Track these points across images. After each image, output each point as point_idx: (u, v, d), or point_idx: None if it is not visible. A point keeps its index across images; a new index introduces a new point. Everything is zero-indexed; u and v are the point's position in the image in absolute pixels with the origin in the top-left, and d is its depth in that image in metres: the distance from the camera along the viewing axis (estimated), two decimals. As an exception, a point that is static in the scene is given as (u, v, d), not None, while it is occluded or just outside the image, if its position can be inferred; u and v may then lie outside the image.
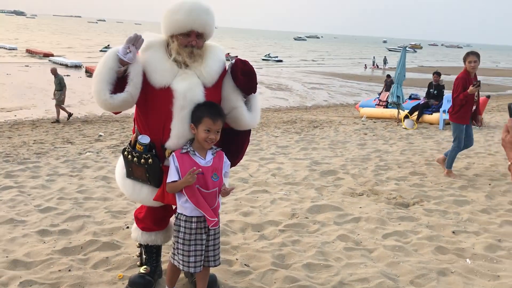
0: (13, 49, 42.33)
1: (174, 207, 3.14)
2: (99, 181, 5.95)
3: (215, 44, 2.91)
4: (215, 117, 2.64)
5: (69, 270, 3.38)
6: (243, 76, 2.77)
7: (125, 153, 2.84)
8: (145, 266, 3.20)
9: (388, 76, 19.93)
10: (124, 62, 2.61)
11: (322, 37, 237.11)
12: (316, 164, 7.01)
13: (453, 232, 4.31)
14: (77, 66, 30.91)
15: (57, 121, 13.67)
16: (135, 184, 2.91)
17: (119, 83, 2.65)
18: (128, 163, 2.84)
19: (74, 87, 19.66)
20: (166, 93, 2.67)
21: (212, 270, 3.36)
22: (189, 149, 2.67)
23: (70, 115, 13.99)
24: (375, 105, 14.87)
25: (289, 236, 4.12)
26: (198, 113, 2.65)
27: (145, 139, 2.74)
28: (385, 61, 49.87)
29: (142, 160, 2.73)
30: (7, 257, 3.60)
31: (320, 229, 4.34)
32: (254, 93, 2.89)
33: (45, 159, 7.42)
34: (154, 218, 3.10)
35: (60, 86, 14.00)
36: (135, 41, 2.60)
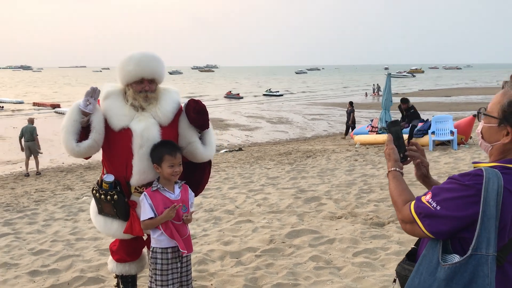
0: (20, 103, 43.43)
1: (145, 238, 3.43)
2: (92, 222, 6.23)
3: (169, 87, 3.28)
4: (174, 152, 2.92)
5: (54, 304, 3.64)
6: (195, 114, 3.11)
7: (94, 191, 3.15)
8: (121, 294, 3.46)
9: (350, 103, 20.73)
10: (86, 113, 2.96)
11: (323, 68, 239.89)
12: (301, 192, 7.26)
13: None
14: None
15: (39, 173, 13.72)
16: (106, 219, 3.21)
17: (84, 132, 3.01)
18: (97, 200, 3.16)
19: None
20: (125, 135, 3.01)
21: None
22: (158, 186, 2.93)
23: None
24: (368, 131, 15.16)
25: (264, 260, 4.36)
26: (157, 153, 2.93)
27: (109, 177, 3.05)
28: (378, 88, 50.33)
29: (109, 197, 3.04)
30: (-2, 297, 3.88)
31: (294, 252, 4.57)
32: (207, 128, 3.21)
33: (44, 206, 7.75)
34: (127, 250, 3.38)
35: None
36: (93, 93, 2.97)
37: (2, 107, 38.83)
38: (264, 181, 8.55)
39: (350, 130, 19.30)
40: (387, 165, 1.97)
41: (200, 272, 4.15)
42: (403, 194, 1.81)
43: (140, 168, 3.03)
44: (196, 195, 3.48)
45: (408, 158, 2.03)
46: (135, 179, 3.07)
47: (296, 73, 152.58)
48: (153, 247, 2.98)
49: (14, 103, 43.39)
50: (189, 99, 3.24)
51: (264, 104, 41.60)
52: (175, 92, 3.27)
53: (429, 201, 1.65)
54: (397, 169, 1.92)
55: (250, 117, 31.12)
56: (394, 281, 1.87)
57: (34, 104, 41.83)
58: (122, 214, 3.12)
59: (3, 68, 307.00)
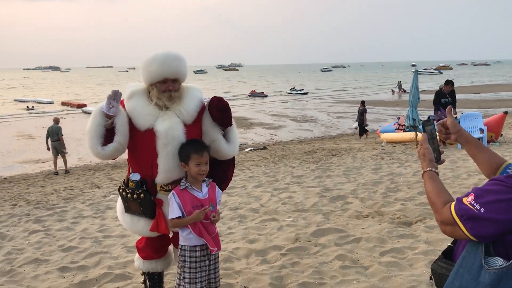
0: (50, 103, 44.43)
1: (171, 235, 3.46)
2: (119, 220, 6.33)
3: (192, 85, 3.29)
4: (201, 151, 2.91)
5: (83, 300, 3.71)
6: (217, 112, 3.11)
7: (120, 190, 3.19)
8: (147, 290, 3.50)
9: (362, 102, 20.06)
10: (110, 115, 3.00)
11: (348, 66, 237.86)
12: (327, 190, 7.21)
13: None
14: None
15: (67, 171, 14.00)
16: (132, 217, 3.25)
17: (108, 134, 3.05)
18: (124, 199, 3.20)
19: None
20: (150, 134, 3.04)
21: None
22: (186, 185, 2.93)
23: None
24: (395, 129, 14.96)
25: (290, 259, 4.35)
26: (185, 152, 2.93)
27: (135, 176, 3.09)
28: (399, 86, 49.59)
29: (135, 196, 3.07)
30: (29, 292, 3.97)
31: (320, 251, 4.54)
32: (230, 126, 3.22)
33: (72, 203, 7.90)
34: (153, 247, 3.42)
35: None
36: (115, 96, 3.01)
37: (33, 107, 39.79)
38: (289, 180, 8.53)
39: (360, 129, 18.88)
40: (422, 165, 1.92)
41: (226, 270, 4.16)
42: (441, 195, 1.76)
43: (166, 167, 3.06)
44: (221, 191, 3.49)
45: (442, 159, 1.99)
46: (161, 178, 3.10)
47: (322, 70, 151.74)
48: (182, 245, 2.97)
49: (44, 103, 44.41)
50: (212, 96, 3.25)
51: (289, 103, 41.51)
52: (197, 90, 3.28)
53: (472, 203, 1.59)
54: (433, 169, 1.88)
55: (275, 115, 31.09)
56: (431, 278, 1.83)
57: (63, 103, 42.73)
58: (149, 212, 3.15)
59: (33, 69, 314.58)
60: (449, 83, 12.29)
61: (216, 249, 2.98)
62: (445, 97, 12.04)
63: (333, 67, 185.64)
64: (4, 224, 6.69)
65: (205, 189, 2.98)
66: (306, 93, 51.12)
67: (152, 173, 3.11)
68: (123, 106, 3.16)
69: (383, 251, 4.38)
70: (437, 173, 1.88)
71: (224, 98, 3.23)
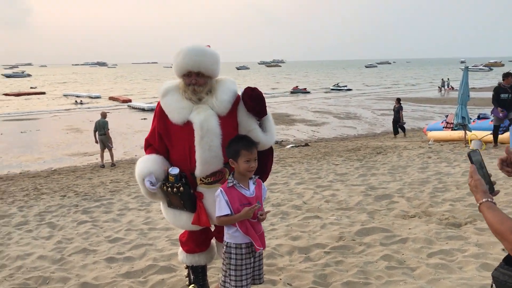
0: (98, 97, 45.81)
1: (212, 228, 3.47)
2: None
3: (225, 78, 3.30)
4: (250, 147, 2.84)
5: (129, 291, 3.79)
6: (251, 101, 3.10)
7: (161, 185, 3.22)
8: (193, 285, 3.53)
9: (397, 100, 19.35)
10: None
11: (394, 62, 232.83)
12: (372, 189, 7.07)
13: (503, 250, 4.24)
14: (152, 110, 32.82)
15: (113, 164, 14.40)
16: (175, 212, 3.28)
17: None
18: (165, 193, 3.23)
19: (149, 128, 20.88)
20: (186, 127, 3.08)
21: (255, 289, 3.63)
22: (234, 182, 2.86)
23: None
24: (443, 127, 14.51)
25: (333, 257, 4.28)
26: (234, 148, 2.85)
27: (174, 170, 3.12)
28: (447, 84, 48.02)
29: (175, 189, 3.10)
30: (78, 280, 4.09)
31: (365, 250, 4.45)
32: (265, 115, 3.19)
33: (118, 196, 8.11)
34: (196, 241, 3.44)
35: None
36: (149, 177, 3.17)
37: (81, 101, 41.12)
38: (332, 177, 8.42)
39: (399, 129, 18.39)
40: (476, 197, 1.85)
41: (269, 266, 4.14)
42: (506, 222, 1.66)
43: (203, 159, 3.08)
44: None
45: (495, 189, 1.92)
46: (199, 170, 3.12)
47: (366, 67, 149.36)
48: (228, 242, 2.94)
49: (92, 97, 45.83)
50: (245, 87, 3.24)
51: (332, 99, 41.09)
52: (230, 82, 3.28)
53: None
54: (489, 199, 1.80)
55: (317, 112, 30.84)
56: (492, 286, 1.75)
57: (110, 98, 43.93)
58: (189, 206, 3.17)
59: (81, 65, 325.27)
60: (508, 75, 11.11)
61: (262, 248, 2.95)
62: (505, 92, 11.01)
63: (378, 63, 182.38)
64: (54, 214, 6.94)
65: (252, 187, 2.92)
66: (350, 90, 50.45)
67: (191, 166, 3.14)
68: (159, 106, 3.24)
69: (431, 253, 4.24)
70: (494, 203, 1.81)
71: (259, 88, 3.21)
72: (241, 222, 2.87)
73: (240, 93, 3.23)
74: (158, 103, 3.25)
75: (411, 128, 22.93)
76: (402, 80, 71.85)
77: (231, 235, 2.92)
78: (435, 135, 14.20)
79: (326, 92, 49.36)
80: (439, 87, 49.48)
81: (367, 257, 4.27)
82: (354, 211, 5.87)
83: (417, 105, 34.19)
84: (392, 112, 19.51)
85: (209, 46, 3.23)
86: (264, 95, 3.18)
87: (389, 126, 23.99)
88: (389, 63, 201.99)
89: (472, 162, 1.92)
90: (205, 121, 3.04)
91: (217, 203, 2.88)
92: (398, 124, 18.50)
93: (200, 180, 3.15)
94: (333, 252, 4.43)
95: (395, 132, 18.41)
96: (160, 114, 3.23)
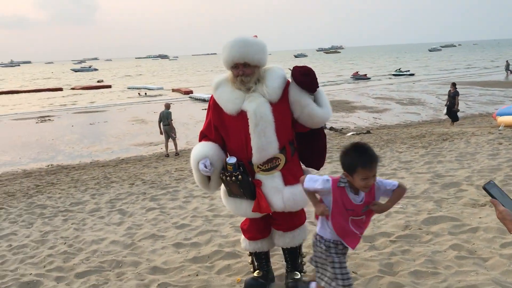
0: (160, 89, 47.16)
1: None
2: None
3: (274, 65, 3.32)
4: (370, 164, 2.55)
5: (197, 275, 3.93)
6: (301, 75, 3.11)
7: (220, 174, 3.29)
8: (257, 271, 3.60)
9: (453, 85, 17.84)
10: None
11: (459, 45, 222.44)
12: (438, 177, 6.84)
13: None
14: (214, 100, 33.32)
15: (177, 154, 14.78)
16: (235, 200, 3.35)
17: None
18: (225, 183, 3.31)
19: (211, 119, 21.29)
20: (241, 116, 3.14)
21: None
22: (346, 185, 2.66)
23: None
24: (515, 112, 13.71)
25: (400, 246, 4.20)
26: (350, 162, 2.59)
27: (231, 159, 3.18)
28: (507, 67, 44.86)
29: (233, 178, 3.17)
30: (149, 264, 4.29)
31: (433, 239, 4.33)
32: (317, 88, 3.16)
33: (183, 184, 8.35)
34: (257, 228, 3.50)
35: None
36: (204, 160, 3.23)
37: (145, 93, 42.52)
38: (396, 165, 8.22)
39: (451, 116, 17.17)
40: (508, 228, 1.85)
41: (333, 254, 4.13)
42: None
43: (259, 146, 3.13)
44: (320, 167, 3.45)
45: None
46: (256, 158, 3.18)
47: (430, 50, 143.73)
48: (316, 234, 2.87)
49: (155, 89, 47.25)
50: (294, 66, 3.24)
51: (394, 85, 39.92)
52: (278, 69, 3.30)
53: None
54: None
55: (378, 98, 30.10)
56: None
57: (173, 90, 45.08)
58: (249, 194, 3.22)
59: (144, 58, 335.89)
60: None
61: (351, 247, 2.81)
62: None
63: (442, 47, 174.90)
64: (124, 201, 7.27)
65: (362, 194, 2.69)
66: (412, 75, 48.76)
67: (248, 155, 3.19)
68: (213, 99, 3.31)
69: (505, 243, 4.06)
70: None
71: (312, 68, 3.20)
72: (337, 225, 2.71)
73: (289, 77, 3.25)
74: (212, 97, 3.34)
75: (479, 114, 21.89)
76: (468, 63, 68.51)
77: (320, 228, 2.82)
78: (506, 120, 13.46)
79: (387, 78, 48.01)
80: (509, 70, 46.65)
81: (435, 246, 4.16)
82: (420, 200, 5.71)
83: (485, 89, 32.53)
84: (446, 98, 18.16)
85: (256, 36, 3.26)
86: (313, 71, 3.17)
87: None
88: (454, 46, 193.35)
89: (491, 196, 1.88)
90: (257, 109, 3.09)
91: (315, 178, 2.71)
92: (452, 110, 17.26)
93: (258, 167, 3.21)
94: (399, 241, 4.35)
95: (454, 119, 17.27)
96: (214, 107, 3.32)
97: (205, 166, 3.20)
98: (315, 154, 3.39)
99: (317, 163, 3.46)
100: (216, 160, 3.27)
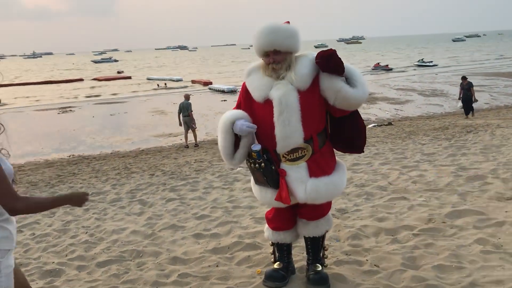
0: (180, 80, 47.34)
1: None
2: (246, 192, 6.55)
3: (307, 52, 3.22)
4: None
5: (217, 266, 3.91)
6: (322, 59, 2.99)
7: (246, 162, 3.25)
8: (278, 262, 3.56)
9: (464, 78, 17.39)
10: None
11: (484, 35, 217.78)
12: (462, 169, 6.69)
13: None
14: (232, 91, 33.39)
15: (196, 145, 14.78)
16: (261, 188, 3.31)
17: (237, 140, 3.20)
18: (250, 170, 3.27)
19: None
20: (267, 104, 3.08)
21: (341, 270, 3.60)
22: None
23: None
24: (542, 103, 13.35)
25: (423, 240, 4.12)
26: None
27: (256, 146, 3.13)
28: None
29: (257, 166, 3.12)
30: (169, 254, 4.29)
31: (457, 233, 4.23)
32: (343, 69, 3.03)
33: (203, 175, 8.36)
34: (281, 218, 3.45)
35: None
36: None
37: (165, 84, 42.71)
38: (418, 157, 8.08)
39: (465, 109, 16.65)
40: None
41: (354, 247, 4.08)
42: None
43: (282, 134, 3.06)
44: (362, 148, 3.41)
45: None
46: (280, 146, 3.11)
47: (453, 41, 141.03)
48: None
49: (174, 80, 47.44)
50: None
51: (416, 76, 39.32)
52: (311, 54, 3.17)
53: None
54: None
55: (400, 89, 29.70)
56: None
57: (193, 82, 45.19)
58: (272, 182, 3.17)
59: (163, 49, 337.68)
60: None
61: None
62: None
63: (466, 37, 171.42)
64: (144, 192, 7.32)
65: None
66: (435, 65, 47.93)
67: (273, 143, 3.13)
68: (244, 85, 3.27)
69: (532, 238, 3.95)
70: None
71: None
72: None
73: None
74: (244, 83, 3.30)
75: (504, 105, 21.42)
76: (493, 53, 67.03)
77: None
78: (532, 112, 13.13)
79: (410, 69, 47.29)
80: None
81: (460, 240, 4.06)
82: (444, 192, 5.60)
83: (511, 80, 31.79)
84: (459, 91, 17.57)
85: (288, 22, 3.18)
86: (336, 53, 3.04)
87: (480, 103, 22.55)
88: (479, 36, 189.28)
89: None
90: (283, 97, 3.02)
91: None
92: (470, 103, 16.70)
93: (283, 156, 3.15)
94: (422, 234, 4.26)
95: (467, 112, 16.72)
96: (245, 94, 3.28)
97: (246, 126, 3.09)
98: (354, 136, 3.29)
99: (359, 145, 3.35)
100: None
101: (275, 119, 3.05)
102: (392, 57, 71.82)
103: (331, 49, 3.05)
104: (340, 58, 3.01)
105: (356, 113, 3.27)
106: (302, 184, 3.12)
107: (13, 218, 2.25)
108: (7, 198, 2.08)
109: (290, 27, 3.11)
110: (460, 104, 17.52)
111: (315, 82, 3.10)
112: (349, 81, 3.10)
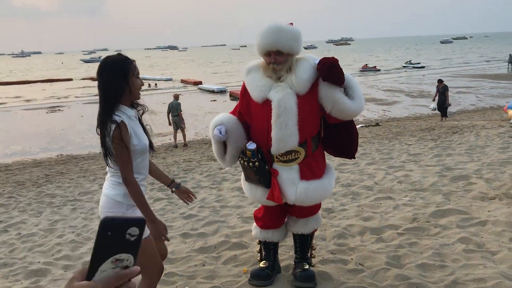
0: (169, 80, 47.16)
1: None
2: (234, 191, 6.58)
3: (307, 55, 3.24)
4: None
5: (203, 265, 3.94)
6: (326, 70, 3.00)
7: (239, 158, 3.29)
8: (264, 261, 3.59)
9: (440, 81, 17.73)
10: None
11: (471, 37, 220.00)
12: (447, 170, 6.78)
13: None
14: (222, 91, 33.37)
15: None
16: (251, 186, 3.35)
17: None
18: (243, 167, 3.30)
19: (220, 110, 21.36)
20: (265, 105, 3.10)
21: (326, 268, 3.64)
22: None
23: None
24: (526, 105, 13.54)
25: (407, 239, 4.18)
26: None
27: (251, 145, 3.16)
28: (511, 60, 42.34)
29: (251, 164, 3.16)
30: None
31: (440, 232, 4.30)
32: (343, 80, 3.06)
33: (191, 174, 8.37)
34: (270, 217, 3.48)
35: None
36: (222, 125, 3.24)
37: (156, 84, 42.54)
38: (404, 158, 8.17)
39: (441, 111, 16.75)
40: None
41: (340, 246, 4.13)
42: None
43: (278, 137, 3.09)
44: (354, 154, 3.45)
45: None
46: (275, 148, 3.15)
47: (441, 42, 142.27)
48: None
49: (164, 80, 47.26)
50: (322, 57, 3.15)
51: (403, 77, 39.61)
52: (312, 58, 3.19)
53: None
54: None
55: (388, 90, 29.89)
56: None
57: (182, 81, 45.05)
58: (265, 181, 3.21)
59: (153, 49, 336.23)
60: None
61: None
62: None
63: (454, 39, 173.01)
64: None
65: None
66: (423, 67, 48.34)
67: (268, 144, 3.17)
68: (244, 85, 3.31)
69: (514, 237, 4.02)
70: None
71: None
72: None
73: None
74: (243, 82, 3.33)
75: (490, 107, 21.66)
76: (479, 55, 67.76)
77: None
78: (517, 113, 13.31)
79: (398, 70, 47.63)
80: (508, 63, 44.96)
81: (443, 239, 4.13)
82: (429, 192, 5.68)
83: (496, 82, 32.17)
84: (433, 94, 17.75)
85: (291, 24, 3.19)
86: (339, 63, 3.07)
87: (466, 105, 22.83)
88: (466, 38, 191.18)
89: None
90: (282, 100, 3.04)
91: None
92: (444, 106, 16.98)
93: (277, 157, 3.18)
94: (407, 233, 4.33)
95: (444, 114, 16.87)
96: (244, 92, 3.32)
97: (220, 132, 3.20)
98: (347, 141, 3.34)
99: (350, 151, 3.40)
100: (232, 129, 3.26)
101: (272, 121, 3.08)
102: (381, 58, 72.28)
103: (333, 57, 3.07)
104: (341, 69, 3.04)
105: (350, 120, 3.31)
106: (293, 186, 3.16)
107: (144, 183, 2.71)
108: (124, 169, 2.52)
109: (295, 29, 3.12)
110: (432, 105, 17.75)
111: (314, 87, 3.12)
112: (347, 91, 3.13)
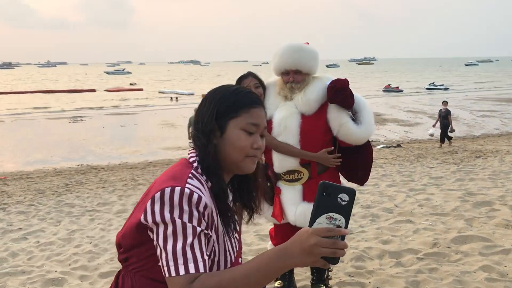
0: (191, 94, 47.63)
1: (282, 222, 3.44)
2: (252, 208, 6.54)
3: (323, 75, 3.22)
4: None
5: (218, 282, 3.90)
6: (330, 92, 2.99)
7: None
8: (279, 281, 3.55)
9: (444, 103, 16.79)
10: None
11: (497, 60, 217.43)
12: (470, 195, 6.64)
13: None
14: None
15: None
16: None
17: None
18: None
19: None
20: (270, 123, 3.10)
21: (343, 290, 3.57)
22: None
23: None
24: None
25: (427, 264, 4.09)
26: None
27: None
28: None
29: None
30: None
31: (462, 259, 4.19)
32: (351, 104, 3.03)
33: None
34: (283, 236, 3.43)
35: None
36: None
37: (177, 98, 43.00)
38: (426, 181, 8.04)
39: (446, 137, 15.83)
40: None
41: (358, 269, 4.05)
42: None
43: (278, 156, 3.11)
44: (364, 182, 3.35)
45: None
46: (276, 166, 3.17)
47: (466, 65, 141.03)
48: None
49: (186, 94, 47.76)
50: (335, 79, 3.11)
51: (426, 99, 39.25)
52: (326, 79, 3.15)
53: None
54: None
55: (410, 111, 29.61)
56: None
57: (203, 96, 45.42)
58: (267, 198, 3.22)
59: (176, 63, 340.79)
60: None
61: None
62: None
63: (479, 61, 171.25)
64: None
65: None
66: (447, 89, 47.87)
67: (271, 162, 3.19)
68: None
69: (539, 267, 3.90)
70: None
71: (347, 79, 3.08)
72: None
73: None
74: None
75: (515, 132, 21.26)
76: (499, 79, 66.82)
77: None
78: (543, 139, 13.03)
79: (420, 92, 47.26)
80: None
81: (464, 266, 4.03)
82: (450, 217, 5.56)
83: (522, 106, 31.64)
84: (436, 118, 16.68)
85: (307, 43, 3.20)
86: (349, 86, 3.03)
87: (490, 128, 22.45)
88: (491, 61, 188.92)
89: None
90: (283, 119, 3.04)
91: None
92: (448, 131, 15.91)
93: (281, 176, 3.19)
94: (427, 258, 4.23)
95: (442, 140, 15.85)
96: None
97: None
98: (359, 168, 3.27)
99: (360, 178, 3.31)
100: None
101: None
102: (404, 79, 71.86)
103: (345, 79, 3.04)
104: (350, 92, 3.00)
105: (365, 145, 3.21)
106: (294, 207, 3.14)
107: None
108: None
109: (313, 50, 3.14)
110: (431, 131, 17.10)
111: (323, 108, 3.10)
112: (356, 115, 3.10)
